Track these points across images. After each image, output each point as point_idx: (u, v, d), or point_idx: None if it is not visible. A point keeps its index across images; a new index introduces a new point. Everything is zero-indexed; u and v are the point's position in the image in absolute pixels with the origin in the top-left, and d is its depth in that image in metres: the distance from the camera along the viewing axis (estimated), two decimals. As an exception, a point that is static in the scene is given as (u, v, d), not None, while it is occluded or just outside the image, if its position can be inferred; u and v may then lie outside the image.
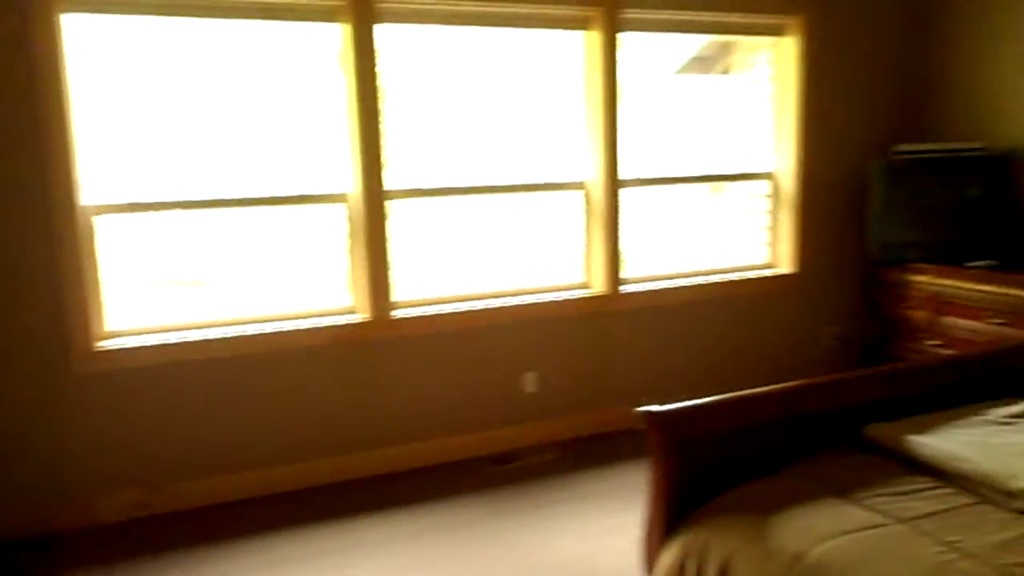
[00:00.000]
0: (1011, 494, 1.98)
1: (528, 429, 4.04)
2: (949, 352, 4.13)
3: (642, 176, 4.24)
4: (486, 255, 4.17)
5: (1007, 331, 3.92)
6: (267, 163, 3.54)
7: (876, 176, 4.41)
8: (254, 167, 3.52)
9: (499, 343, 3.95)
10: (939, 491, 2.07)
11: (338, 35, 3.49)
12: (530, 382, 4.04)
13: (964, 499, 2.02)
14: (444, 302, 3.87)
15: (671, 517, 2.15)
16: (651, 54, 4.38)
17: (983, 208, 4.29)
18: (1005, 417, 2.39)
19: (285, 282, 3.79)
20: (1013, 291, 3.91)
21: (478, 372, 3.93)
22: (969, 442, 2.21)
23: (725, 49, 4.76)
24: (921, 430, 2.30)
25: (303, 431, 3.61)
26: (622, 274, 4.17)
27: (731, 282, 4.50)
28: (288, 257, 3.82)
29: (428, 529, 3.20)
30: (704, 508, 2.11)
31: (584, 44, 3.99)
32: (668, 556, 2.10)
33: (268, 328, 3.50)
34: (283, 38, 3.49)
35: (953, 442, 2.21)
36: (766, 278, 4.61)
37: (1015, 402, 2.50)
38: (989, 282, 4.02)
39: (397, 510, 3.37)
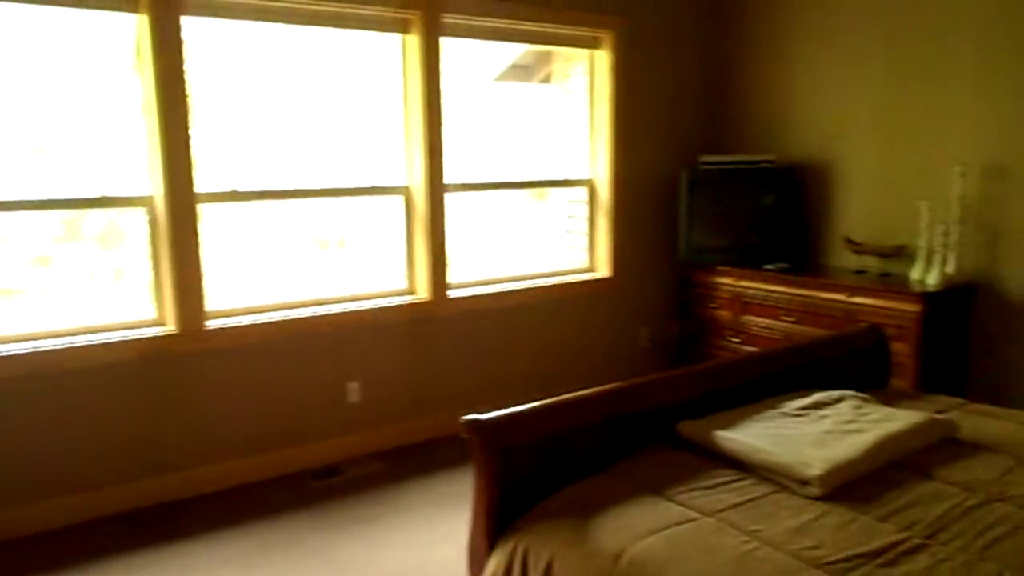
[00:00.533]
0: (804, 482, 2.14)
1: (353, 440, 3.94)
2: (751, 349, 4.45)
3: (465, 181, 4.26)
4: (307, 261, 4.02)
5: (797, 328, 4.28)
6: (58, 164, 3.22)
7: (684, 184, 4.68)
8: (43, 168, 3.18)
9: (321, 352, 3.81)
10: (743, 483, 2.20)
11: (135, 26, 3.23)
12: (354, 392, 3.93)
13: (765, 489, 2.16)
14: (262, 311, 3.69)
15: (497, 524, 2.15)
16: (472, 60, 4.41)
17: (777, 215, 4.66)
18: (798, 409, 2.58)
19: (87, 293, 3.46)
20: (802, 291, 4.27)
21: (299, 383, 3.77)
22: (767, 434, 2.37)
23: (544, 58, 4.88)
24: (726, 425, 2.44)
25: (112, 453, 3.31)
26: (447, 280, 4.16)
27: (553, 286, 4.62)
28: (90, 266, 3.49)
29: (253, 550, 3.02)
30: (528, 514, 2.13)
31: (404, 47, 3.94)
32: (493, 564, 2.10)
33: (65, 343, 3.17)
34: (78, 27, 3.19)
35: (753, 435, 2.36)
36: (585, 282, 4.77)
37: (807, 394, 2.71)
38: (782, 283, 4.37)
39: (219, 532, 3.16)
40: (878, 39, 4.29)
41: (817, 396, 2.68)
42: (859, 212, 4.47)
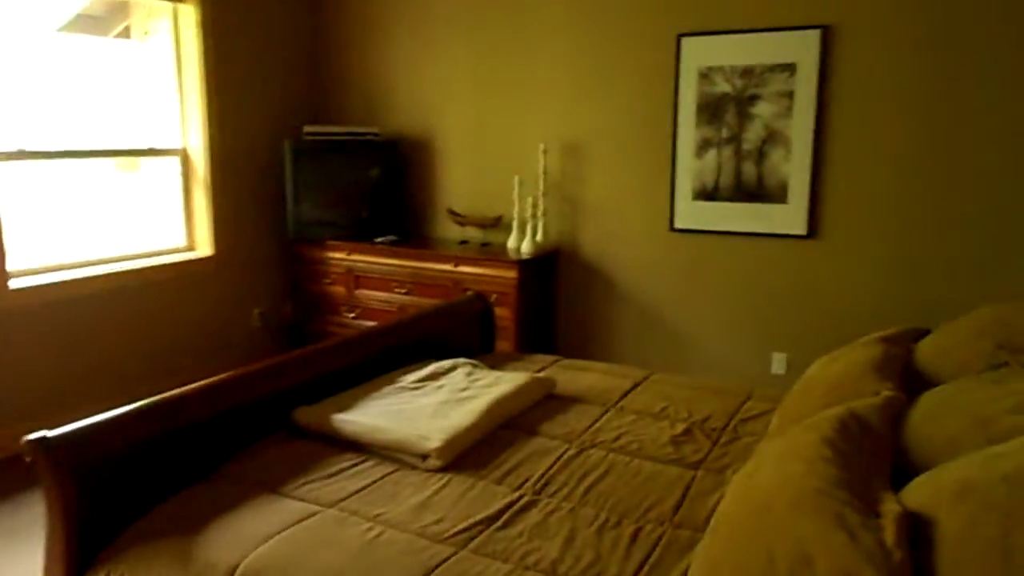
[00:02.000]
0: (424, 455, 2.13)
1: None
2: (368, 323, 4.44)
3: (23, 149, 3.55)
4: None
5: (411, 299, 4.36)
6: None
7: (288, 156, 4.47)
8: None
9: None
10: (364, 465, 2.12)
11: None
12: None
13: (386, 468, 2.11)
14: None
15: (80, 559, 1.79)
16: (24, 5, 3.68)
17: (384, 188, 4.68)
18: (414, 382, 2.59)
19: None
20: (412, 263, 4.35)
21: None
22: (386, 411, 2.33)
23: (120, 9, 4.27)
24: (344, 407, 2.35)
25: None
26: (6, 268, 3.44)
27: (146, 269, 4.10)
28: None
29: None
30: (118, 540, 1.81)
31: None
32: (78, 607, 1.75)
33: None
34: None
35: (372, 414, 2.30)
36: (184, 262, 4.32)
37: (422, 366, 2.74)
38: (393, 256, 4.41)
39: None
40: (466, 24, 4.49)
41: (432, 367, 2.71)
42: (460, 185, 4.68)
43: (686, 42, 3.95)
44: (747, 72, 3.85)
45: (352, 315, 4.58)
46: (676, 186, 4.09)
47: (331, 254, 4.61)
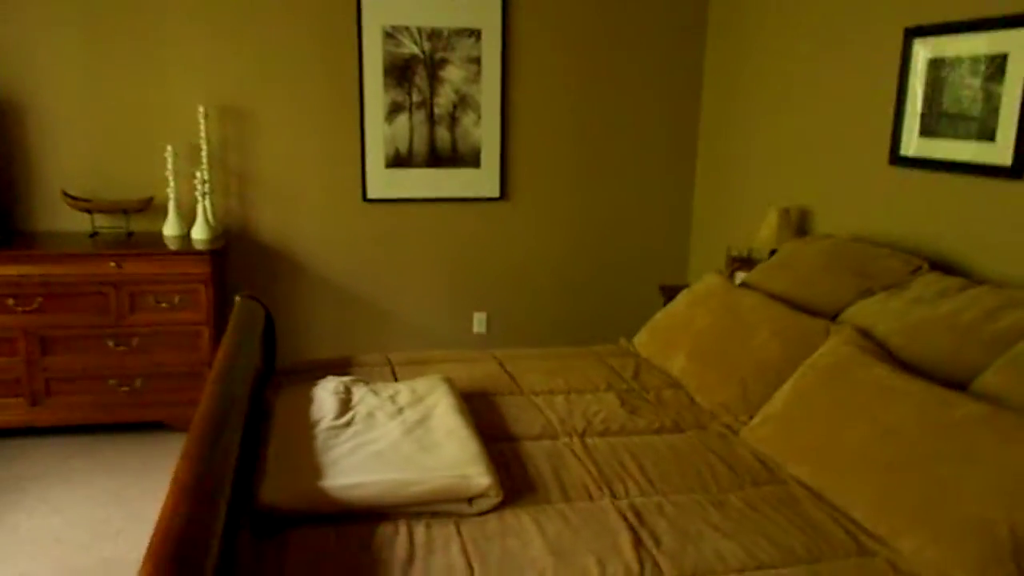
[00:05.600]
0: (471, 498, 1.72)
1: None
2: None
3: None
4: None
5: (41, 319, 3.22)
6: None
7: None
8: None
9: None
10: (415, 534, 1.62)
11: None
12: None
13: (443, 529, 1.63)
14: None
15: None
16: None
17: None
18: (337, 419, 2.00)
19: None
20: (38, 269, 3.22)
21: None
22: (369, 461, 1.79)
23: None
24: (314, 472, 1.73)
25: None
26: None
27: None
28: None
29: None
30: None
31: None
32: None
33: None
34: None
35: (365, 468, 1.75)
36: None
37: (306, 397, 2.12)
38: (6, 262, 3.16)
39: None
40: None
41: (326, 396, 2.13)
42: (78, 159, 3.53)
43: (366, -4, 3.66)
44: (435, 34, 3.76)
45: (-63, 355, 3.15)
46: (367, 153, 3.80)
47: None
